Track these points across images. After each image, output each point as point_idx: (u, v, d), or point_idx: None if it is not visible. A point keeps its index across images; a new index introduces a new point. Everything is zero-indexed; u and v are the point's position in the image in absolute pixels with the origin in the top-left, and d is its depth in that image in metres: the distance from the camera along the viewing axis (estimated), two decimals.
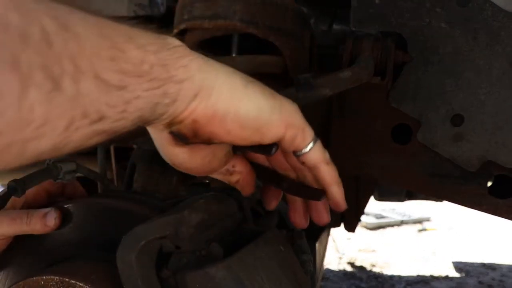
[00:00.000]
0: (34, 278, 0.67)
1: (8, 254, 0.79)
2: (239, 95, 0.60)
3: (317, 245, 1.51)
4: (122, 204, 0.75)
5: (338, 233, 4.04)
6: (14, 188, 0.73)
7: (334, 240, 4.21)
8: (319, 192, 0.73)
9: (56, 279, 0.66)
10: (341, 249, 4.20)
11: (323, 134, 1.32)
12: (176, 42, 0.56)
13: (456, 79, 1.17)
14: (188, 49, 0.57)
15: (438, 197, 1.54)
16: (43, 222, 0.74)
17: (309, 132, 0.69)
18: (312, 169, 0.72)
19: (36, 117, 0.40)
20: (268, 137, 0.64)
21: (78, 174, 0.87)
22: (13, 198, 0.77)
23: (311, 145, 0.69)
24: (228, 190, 0.82)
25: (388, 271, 3.83)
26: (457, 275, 3.78)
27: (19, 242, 0.79)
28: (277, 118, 0.63)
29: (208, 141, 0.62)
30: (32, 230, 0.74)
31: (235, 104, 0.59)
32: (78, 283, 0.66)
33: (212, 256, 0.66)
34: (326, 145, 1.14)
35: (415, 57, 1.18)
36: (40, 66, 0.40)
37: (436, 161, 1.26)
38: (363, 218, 4.61)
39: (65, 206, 0.76)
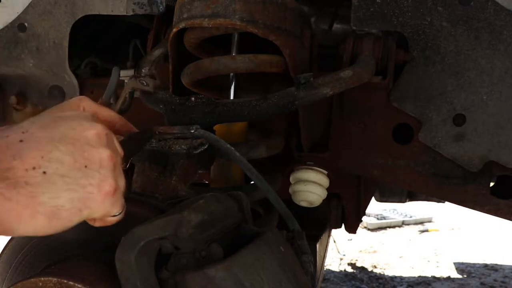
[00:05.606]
0: (32, 279, 0.67)
1: (8, 253, 0.79)
2: None
3: (317, 245, 1.51)
4: None
5: (339, 234, 4.03)
6: None
7: (334, 241, 4.21)
8: None
9: (54, 280, 0.66)
10: (342, 250, 4.19)
11: (323, 134, 1.32)
12: None
13: (458, 78, 1.16)
14: None
15: (439, 198, 1.53)
16: None
17: None
18: None
19: None
20: None
21: None
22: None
23: None
24: (228, 191, 0.81)
25: (389, 272, 3.82)
26: (459, 276, 3.77)
27: (19, 240, 0.78)
28: None
29: None
30: None
31: None
32: (76, 284, 0.65)
33: (212, 257, 0.66)
34: (327, 145, 1.13)
35: (416, 56, 1.17)
36: None
37: (438, 161, 1.25)
38: (364, 219, 4.60)
39: None
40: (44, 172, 0.58)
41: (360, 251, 4.27)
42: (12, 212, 0.55)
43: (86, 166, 0.61)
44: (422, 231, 4.94)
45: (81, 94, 1.42)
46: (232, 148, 0.87)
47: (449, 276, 3.75)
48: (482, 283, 3.61)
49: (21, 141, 0.59)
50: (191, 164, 0.90)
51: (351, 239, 4.46)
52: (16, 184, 0.56)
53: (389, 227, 5.00)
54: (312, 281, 0.92)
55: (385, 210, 5.23)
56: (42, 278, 0.66)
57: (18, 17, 1.36)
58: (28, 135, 0.60)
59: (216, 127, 1.06)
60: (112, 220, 0.65)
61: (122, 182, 0.65)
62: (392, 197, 2.22)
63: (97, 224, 0.65)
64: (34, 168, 0.57)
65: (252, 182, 1.05)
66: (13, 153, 0.58)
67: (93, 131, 0.64)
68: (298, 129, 1.24)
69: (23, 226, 0.56)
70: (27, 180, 0.57)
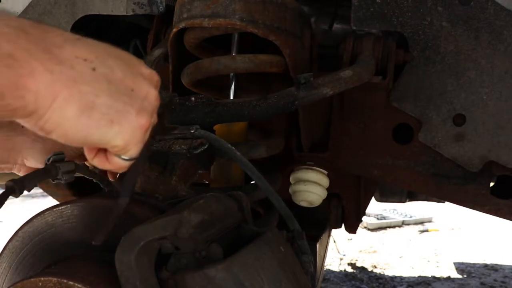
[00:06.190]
0: (32, 279, 0.67)
1: (8, 253, 0.79)
2: None
3: (317, 245, 1.51)
4: None
5: (339, 234, 4.03)
6: (12, 188, 0.73)
7: (334, 241, 4.21)
8: None
9: (54, 280, 0.66)
10: (342, 250, 4.19)
11: (323, 134, 1.32)
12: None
13: (458, 78, 1.16)
14: None
15: (439, 198, 1.53)
16: None
17: None
18: None
19: None
20: None
21: (77, 174, 0.86)
22: None
23: None
24: (228, 191, 0.81)
25: (389, 272, 3.82)
26: (459, 276, 3.77)
27: (19, 240, 0.78)
28: None
29: None
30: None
31: None
32: (76, 284, 0.65)
33: (212, 257, 0.66)
34: (327, 145, 1.13)
35: (416, 56, 1.17)
36: None
37: (438, 161, 1.25)
38: (364, 219, 4.60)
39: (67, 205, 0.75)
40: (94, 69, 0.54)
41: (360, 251, 4.27)
42: (50, 88, 0.50)
43: (132, 90, 0.58)
44: (422, 231, 4.94)
45: None
46: (232, 148, 0.87)
47: (449, 276, 3.75)
48: (482, 283, 3.61)
49: (78, 39, 0.55)
50: (191, 164, 0.90)
51: (351, 239, 4.46)
52: (61, 62, 0.51)
53: (389, 227, 5.00)
54: (312, 281, 0.92)
55: (385, 210, 5.23)
56: (42, 278, 0.66)
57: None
58: (87, 40, 0.56)
59: (216, 127, 1.06)
60: (121, 163, 0.62)
61: (149, 133, 0.62)
62: (392, 197, 2.22)
63: (107, 165, 0.62)
64: (85, 59, 0.53)
65: (253, 182, 1.05)
66: (66, 39, 0.53)
67: (149, 71, 0.62)
68: (298, 129, 1.24)
69: (52, 109, 0.51)
70: (73, 65, 0.52)
